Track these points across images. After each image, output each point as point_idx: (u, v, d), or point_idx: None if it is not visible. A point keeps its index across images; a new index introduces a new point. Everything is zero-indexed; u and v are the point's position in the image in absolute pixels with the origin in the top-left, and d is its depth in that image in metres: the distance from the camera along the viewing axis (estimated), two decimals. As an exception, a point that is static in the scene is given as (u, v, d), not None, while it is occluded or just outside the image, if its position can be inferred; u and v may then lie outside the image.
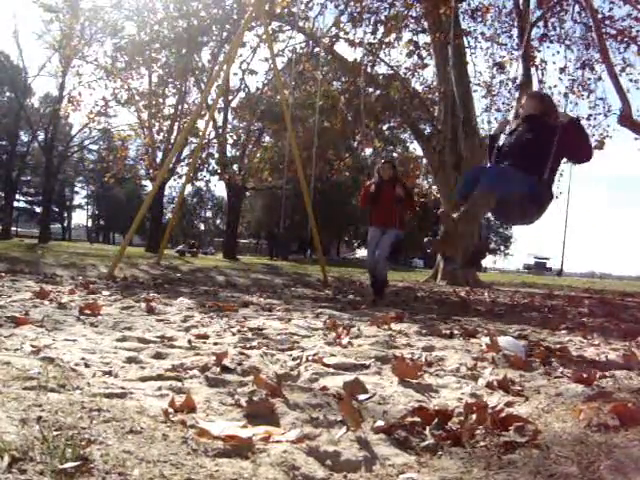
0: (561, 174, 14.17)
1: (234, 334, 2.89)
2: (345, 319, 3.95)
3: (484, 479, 1.12)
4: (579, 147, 3.94)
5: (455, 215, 3.72)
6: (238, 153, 22.18)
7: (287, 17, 12.83)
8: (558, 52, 15.22)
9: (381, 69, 14.26)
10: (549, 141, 3.80)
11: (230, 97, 20.73)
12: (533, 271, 57.22)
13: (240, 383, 1.80)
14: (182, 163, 22.78)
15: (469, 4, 13.93)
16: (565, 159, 4.09)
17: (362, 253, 68.83)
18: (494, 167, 3.98)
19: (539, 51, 14.09)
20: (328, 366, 2.12)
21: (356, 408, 1.48)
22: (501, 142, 4.18)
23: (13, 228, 47.13)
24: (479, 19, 14.13)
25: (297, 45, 14.23)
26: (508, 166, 3.88)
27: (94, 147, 50.43)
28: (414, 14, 13.08)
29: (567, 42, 13.99)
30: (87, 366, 1.84)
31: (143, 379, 1.78)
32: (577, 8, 13.42)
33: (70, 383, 1.55)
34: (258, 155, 19.19)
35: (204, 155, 17.39)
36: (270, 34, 10.38)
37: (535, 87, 13.70)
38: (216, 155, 18.99)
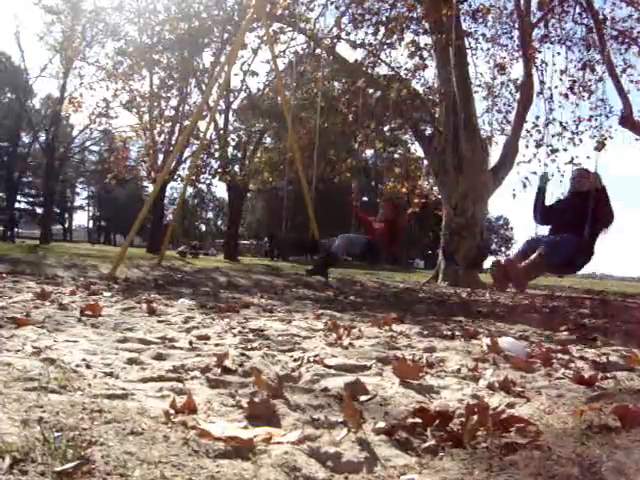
0: (562, 175, 14.20)
1: (235, 335, 2.89)
2: (346, 320, 3.95)
3: (485, 480, 1.12)
4: (602, 214, 4.90)
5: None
6: (239, 154, 22.20)
7: (288, 18, 12.84)
8: (559, 53, 15.23)
9: (382, 70, 14.28)
10: (586, 206, 4.82)
11: (231, 99, 20.76)
12: (534, 272, 57.01)
13: (241, 384, 1.80)
14: (183, 165, 22.83)
15: (470, 5, 13.96)
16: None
17: (363, 254, 68.79)
18: (553, 243, 4.96)
19: (540, 52, 14.10)
20: (329, 367, 2.12)
21: (357, 409, 1.48)
22: (555, 212, 5.31)
23: (14, 229, 47.16)
24: (480, 20, 14.14)
25: (298, 46, 14.26)
26: (562, 240, 4.93)
27: (95, 148, 50.52)
28: (415, 15, 13.08)
29: (568, 43, 14.01)
30: (88, 367, 1.84)
31: (144, 380, 1.77)
32: (578, 9, 13.45)
33: (71, 384, 1.55)
34: (259, 155, 19.16)
35: (205, 157, 17.41)
36: (271, 35, 10.39)
37: (536, 88, 13.72)
38: (217, 155, 19.00)
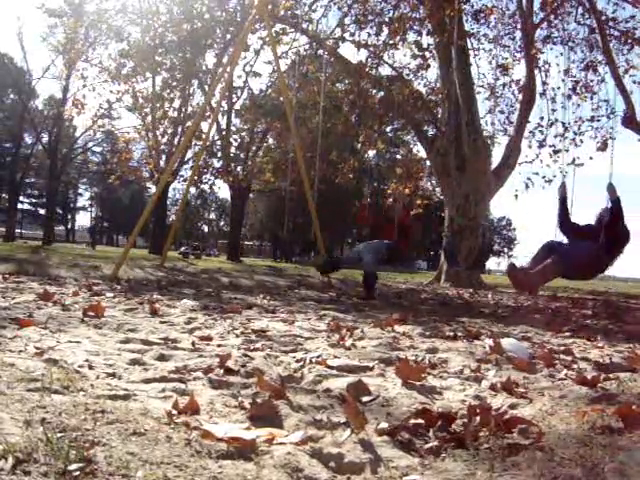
0: (564, 175, 14.19)
1: (238, 336, 2.89)
2: (349, 321, 3.95)
3: (488, 481, 1.12)
4: (614, 226, 4.72)
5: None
6: (242, 155, 22.22)
7: (290, 19, 12.86)
8: (562, 54, 15.20)
9: (385, 70, 14.29)
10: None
11: (234, 99, 20.79)
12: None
13: (244, 385, 1.80)
14: (186, 166, 22.86)
15: (472, 6, 13.96)
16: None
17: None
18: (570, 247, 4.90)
19: (542, 52, 14.09)
20: (331, 368, 2.12)
21: (360, 410, 1.48)
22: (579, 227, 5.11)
23: (17, 230, 47.25)
24: (482, 21, 14.14)
25: (300, 47, 14.27)
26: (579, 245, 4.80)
27: (98, 149, 50.63)
28: (418, 16, 13.09)
29: (571, 44, 13.99)
30: (91, 368, 1.84)
31: (147, 381, 1.78)
32: (581, 10, 13.44)
33: (74, 385, 1.55)
34: (260, 154, 19.19)
35: (207, 157, 17.42)
36: (273, 36, 10.40)
37: (539, 89, 13.71)
38: (219, 155, 19.02)
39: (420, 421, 1.47)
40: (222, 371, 1.95)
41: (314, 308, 4.97)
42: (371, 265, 6.99)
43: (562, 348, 3.01)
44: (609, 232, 4.70)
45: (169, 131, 18.51)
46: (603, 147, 13.58)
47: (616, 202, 4.75)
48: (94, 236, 30.05)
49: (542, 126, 14.10)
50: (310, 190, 8.58)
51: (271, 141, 24.11)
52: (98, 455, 1.02)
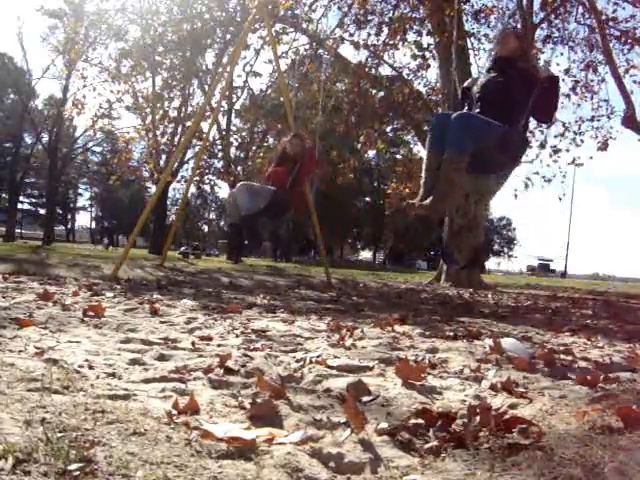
0: (564, 175, 14.21)
1: (238, 336, 2.89)
2: (349, 321, 3.95)
3: (488, 481, 1.12)
4: (550, 107, 3.87)
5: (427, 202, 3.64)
6: (242, 155, 22.24)
7: (290, 19, 12.87)
8: (562, 54, 15.16)
9: (385, 70, 14.30)
10: (525, 90, 3.64)
11: (234, 99, 20.81)
12: (537, 273, 57.07)
13: (244, 385, 1.80)
14: (186, 166, 22.88)
15: (472, 5, 13.96)
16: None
17: (366, 255, 68.90)
18: (459, 119, 3.57)
19: (543, 52, 14.09)
20: (331, 368, 2.12)
21: (360, 410, 1.48)
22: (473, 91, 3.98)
23: (17, 230, 47.27)
24: (482, 21, 14.15)
25: (301, 47, 14.29)
26: (475, 115, 3.67)
27: (98, 149, 50.71)
28: (418, 16, 13.10)
29: (571, 43, 13.99)
30: (91, 368, 1.84)
31: (147, 381, 1.78)
32: (581, 9, 13.43)
33: (74, 385, 1.55)
34: (261, 154, 19.18)
35: (207, 158, 17.43)
36: (273, 36, 10.40)
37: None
38: (219, 155, 19.04)
39: (420, 421, 1.47)
40: (222, 371, 1.95)
41: (314, 308, 4.97)
42: (245, 210, 5.71)
43: (562, 348, 3.01)
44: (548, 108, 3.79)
45: (169, 131, 18.51)
46: (603, 147, 13.60)
47: (558, 78, 3.80)
48: (111, 237, 30.32)
49: (542, 126, 14.09)
50: (310, 190, 8.57)
51: (271, 141, 24.12)
52: (98, 455, 1.02)
